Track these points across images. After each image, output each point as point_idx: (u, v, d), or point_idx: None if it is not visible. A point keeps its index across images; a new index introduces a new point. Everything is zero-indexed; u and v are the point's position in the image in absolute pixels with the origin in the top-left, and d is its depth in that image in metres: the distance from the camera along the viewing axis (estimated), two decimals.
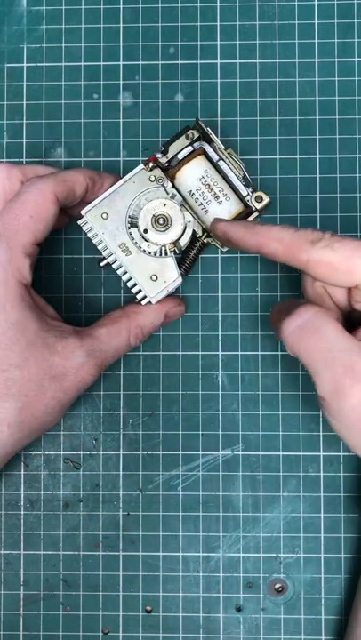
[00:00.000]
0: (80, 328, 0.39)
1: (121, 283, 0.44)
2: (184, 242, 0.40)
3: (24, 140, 0.45)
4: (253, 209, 0.40)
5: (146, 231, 0.39)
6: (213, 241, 0.42)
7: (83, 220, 0.39)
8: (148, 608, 0.43)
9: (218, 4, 0.44)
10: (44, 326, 0.37)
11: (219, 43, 0.44)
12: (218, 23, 0.44)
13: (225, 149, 0.40)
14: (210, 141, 0.40)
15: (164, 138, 0.44)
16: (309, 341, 0.34)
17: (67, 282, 0.45)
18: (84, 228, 0.39)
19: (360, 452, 0.35)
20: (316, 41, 0.44)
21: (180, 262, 0.42)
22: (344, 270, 0.34)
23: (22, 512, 0.44)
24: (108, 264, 0.40)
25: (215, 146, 0.39)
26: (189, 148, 0.39)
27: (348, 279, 0.34)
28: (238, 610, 0.43)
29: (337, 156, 0.44)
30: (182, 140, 0.39)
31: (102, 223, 0.39)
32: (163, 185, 0.39)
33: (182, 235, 0.40)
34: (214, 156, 0.39)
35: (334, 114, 0.44)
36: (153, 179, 0.39)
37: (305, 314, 0.34)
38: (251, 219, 0.40)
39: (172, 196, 0.40)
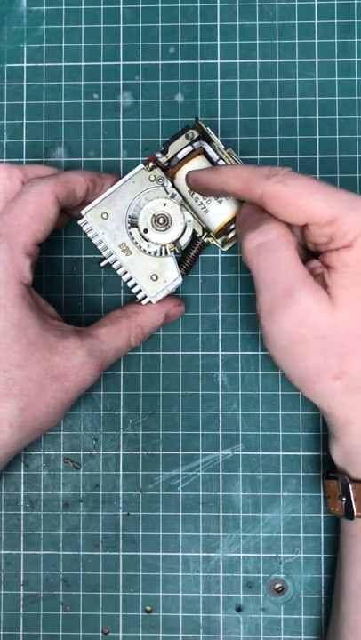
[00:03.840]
0: (81, 328, 0.39)
1: (121, 283, 0.44)
2: (184, 241, 0.40)
3: (24, 140, 0.45)
4: None
5: (146, 231, 0.39)
6: (214, 240, 0.42)
7: (83, 219, 0.39)
8: (148, 608, 0.43)
9: (218, 4, 0.44)
10: (45, 326, 0.37)
11: (219, 43, 0.44)
12: (218, 23, 0.44)
13: (225, 149, 0.40)
14: (210, 141, 0.40)
15: (164, 138, 0.44)
16: (264, 261, 0.35)
17: (67, 282, 0.45)
18: (84, 228, 0.39)
19: (289, 375, 0.36)
20: (316, 41, 0.44)
21: (180, 262, 0.42)
22: (295, 207, 0.34)
23: (22, 512, 0.44)
24: (109, 264, 0.40)
25: (215, 145, 0.39)
26: (189, 148, 0.39)
27: (299, 216, 0.34)
28: (238, 610, 0.43)
29: (337, 156, 0.44)
30: (182, 140, 0.39)
31: (102, 223, 0.39)
32: (163, 184, 0.39)
33: (182, 234, 0.40)
34: (214, 156, 0.39)
35: (334, 114, 0.44)
36: (153, 178, 0.39)
37: (270, 234, 0.35)
38: None
39: (172, 196, 0.40)
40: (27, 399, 0.36)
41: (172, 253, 0.40)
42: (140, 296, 0.40)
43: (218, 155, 0.39)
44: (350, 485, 0.37)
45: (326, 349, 0.35)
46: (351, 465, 0.37)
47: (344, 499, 0.37)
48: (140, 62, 0.45)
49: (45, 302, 0.39)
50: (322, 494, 0.42)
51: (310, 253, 0.37)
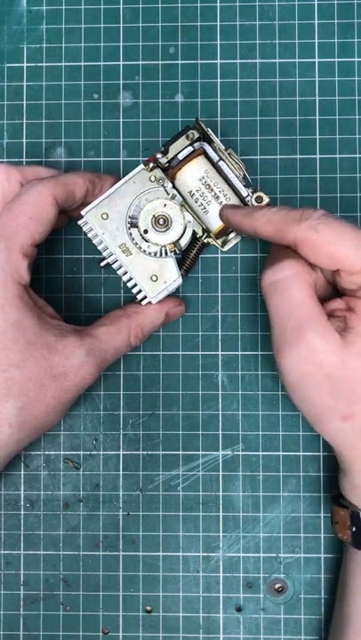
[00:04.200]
0: (80, 327, 0.39)
1: (121, 283, 0.44)
2: (184, 242, 0.40)
3: (24, 140, 0.45)
4: None
5: (146, 232, 0.39)
6: (214, 241, 0.42)
7: (83, 220, 0.39)
8: (148, 608, 0.43)
9: (218, 4, 0.44)
10: (44, 326, 0.37)
11: (219, 43, 0.44)
12: (218, 23, 0.44)
13: (225, 149, 0.40)
14: (210, 141, 0.39)
15: (164, 138, 0.44)
16: (278, 298, 0.36)
17: (67, 282, 0.45)
18: (84, 229, 0.39)
19: (301, 411, 0.37)
20: (316, 41, 0.44)
21: (180, 262, 0.42)
22: (325, 253, 0.34)
23: (22, 512, 0.44)
24: (108, 264, 0.40)
25: (215, 146, 0.39)
26: (190, 149, 0.39)
27: (329, 262, 0.34)
28: (238, 610, 0.43)
29: (337, 156, 0.44)
30: (182, 141, 0.39)
31: (102, 223, 0.39)
32: (163, 185, 0.39)
33: (182, 235, 0.40)
34: (214, 157, 0.39)
35: (334, 114, 0.44)
36: (153, 179, 0.39)
37: (285, 271, 0.35)
38: None
39: (173, 197, 0.40)
40: (26, 399, 0.36)
41: (172, 254, 0.40)
42: (139, 296, 0.40)
43: (218, 155, 0.39)
44: None
45: (335, 390, 0.35)
46: (359, 499, 0.37)
47: (354, 528, 0.37)
48: (140, 62, 0.45)
49: (44, 302, 0.39)
50: (329, 517, 0.42)
51: (337, 291, 0.38)
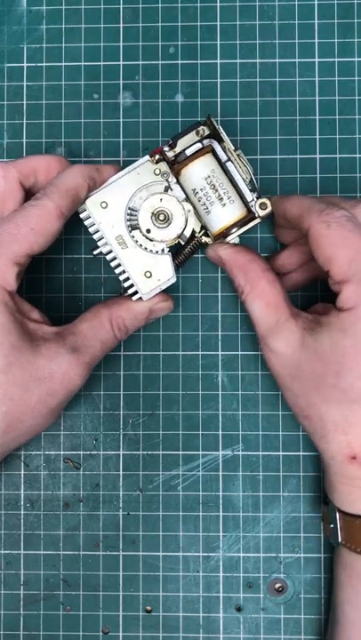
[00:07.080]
0: (62, 327, 0.38)
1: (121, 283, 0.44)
2: (189, 232, 0.40)
3: (24, 140, 0.45)
4: (256, 215, 0.39)
5: (149, 231, 0.39)
6: (211, 241, 0.41)
7: (81, 207, 0.38)
8: (148, 608, 0.43)
9: (218, 4, 0.45)
10: (28, 330, 0.36)
11: (219, 43, 0.44)
12: (218, 23, 0.44)
13: (235, 150, 0.39)
14: (220, 140, 0.38)
15: (165, 138, 0.44)
16: (248, 311, 0.39)
17: (67, 282, 0.45)
18: (82, 216, 0.39)
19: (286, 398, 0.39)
20: (316, 41, 0.44)
21: (173, 256, 0.41)
22: (323, 252, 0.35)
23: (22, 512, 0.44)
24: (101, 253, 0.39)
25: (225, 146, 0.38)
26: (198, 145, 0.38)
27: (324, 261, 0.35)
28: (238, 610, 0.43)
29: (337, 155, 0.44)
30: (192, 136, 0.38)
31: (101, 212, 0.38)
32: (167, 180, 0.39)
33: (186, 226, 0.39)
34: (223, 156, 0.38)
35: (334, 114, 0.44)
36: (158, 172, 0.38)
37: (246, 288, 0.38)
38: (251, 225, 0.39)
39: (166, 190, 0.39)
40: (10, 403, 0.36)
41: (169, 253, 0.39)
42: (131, 291, 0.39)
43: (227, 155, 0.38)
44: (337, 514, 0.38)
45: (296, 391, 0.37)
46: (333, 498, 0.38)
47: (332, 525, 0.38)
48: (140, 62, 0.45)
49: (30, 306, 0.38)
50: (321, 515, 0.43)
51: None
